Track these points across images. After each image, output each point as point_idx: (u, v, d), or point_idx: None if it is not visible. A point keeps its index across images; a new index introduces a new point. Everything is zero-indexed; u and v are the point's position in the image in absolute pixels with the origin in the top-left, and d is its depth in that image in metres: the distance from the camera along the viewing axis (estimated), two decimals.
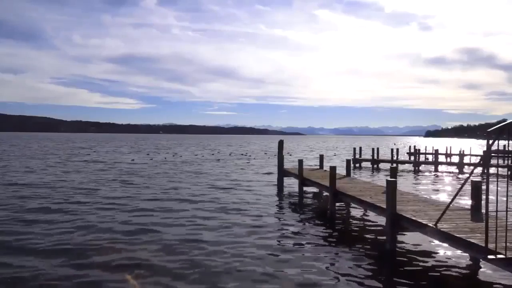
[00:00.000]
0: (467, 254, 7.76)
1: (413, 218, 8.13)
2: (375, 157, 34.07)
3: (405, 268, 7.91)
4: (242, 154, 52.69)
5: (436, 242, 8.35)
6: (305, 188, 16.93)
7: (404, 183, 21.35)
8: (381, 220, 10.76)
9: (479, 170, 26.88)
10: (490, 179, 5.75)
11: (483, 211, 7.40)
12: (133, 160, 39.09)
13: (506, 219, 5.93)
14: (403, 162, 34.46)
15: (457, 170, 30.49)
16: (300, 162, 17.26)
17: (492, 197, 5.52)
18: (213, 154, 51.92)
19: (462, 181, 7.89)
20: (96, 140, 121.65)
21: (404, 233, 9.24)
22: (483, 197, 6.63)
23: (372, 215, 12.13)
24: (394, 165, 23.30)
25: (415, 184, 22.49)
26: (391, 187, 8.66)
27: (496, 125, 5.81)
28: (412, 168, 32.06)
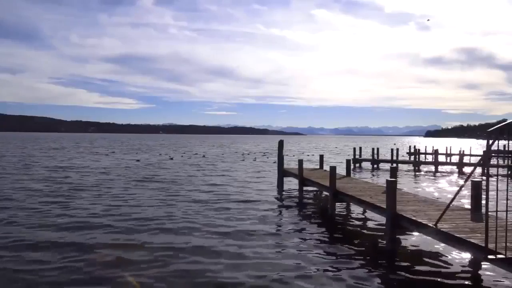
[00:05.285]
0: (467, 254, 7.76)
1: (413, 218, 8.14)
2: (375, 157, 34.09)
3: (405, 268, 7.90)
4: (256, 154, 52.37)
5: (436, 242, 8.35)
6: (305, 188, 16.93)
7: (404, 183, 21.35)
8: (381, 220, 10.77)
9: (479, 170, 26.87)
10: (490, 179, 5.75)
11: (483, 211, 7.40)
12: (138, 160, 38.91)
13: (506, 219, 5.93)
14: (403, 162, 34.48)
15: (457, 170, 30.50)
16: (300, 162, 17.26)
17: (492, 197, 5.51)
18: (223, 154, 51.93)
19: (462, 181, 7.89)
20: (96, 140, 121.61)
21: (404, 233, 9.24)
22: (483, 197, 6.62)
23: (372, 215, 12.13)
24: (394, 165, 23.31)
25: (415, 184, 22.49)
26: (391, 187, 8.66)
27: (496, 125, 5.81)
28: (412, 168, 32.08)
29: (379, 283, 7.10)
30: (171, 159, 41.73)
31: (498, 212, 5.61)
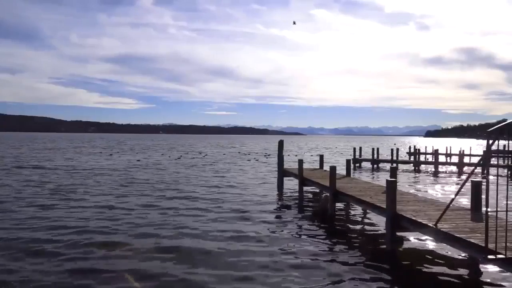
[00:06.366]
0: (467, 254, 7.76)
1: (413, 218, 8.13)
2: (375, 157, 34.09)
3: (405, 268, 7.91)
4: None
5: (436, 242, 8.36)
6: (305, 188, 16.93)
7: (404, 183, 21.35)
8: (381, 220, 10.77)
9: (479, 170, 26.88)
10: (490, 179, 5.75)
11: (483, 211, 7.41)
12: (138, 160, 38.81)
13: (506, 219, 5.93)
14: (403, 162, 34.46)
15: (457, 170, 30.49)
16: (300, 162, 17.25)
17: (492, 197, 5.51)
18: (223, 155, 51.91)
19: (462, 181, 7.89)
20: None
21: (404, 233, 9.23)
22: (483, 197, 6.62)
23: (372, 215, 12.14)
24: (394, 165, 23.30)
25: (415, 184, 22.49)
26: (391, 187, 8.66)
27: (496, 125, 5.81)
28: (412, 168, 32.07)
29: (379, 283, 7.09)
30: (178, 158, 41.89)
31: (498, 212, 5.61)
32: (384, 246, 8.91)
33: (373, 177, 25.60)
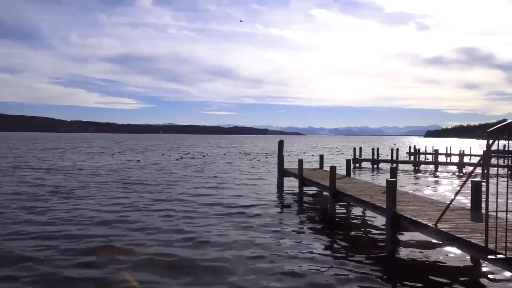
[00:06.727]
0: (467, 254, 7.76)
1: (413, 218, 8.13)
2: (375, 157, 34.08)
3: (405, 268, 7.91)
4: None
5: (436, 242, 8.34)
6: (305, 188, 16.92)
7: (404, 183, 21.35)
8: (381, 220, 10.77)
9: (479, 170, 26.87)
10: (490, 179, 5.74)
11: (483, 211, 7.40)
12: (138, 161, 38.79)
13: (506, 219, 5.92)
14: (403, 162, 34.45)
15: (457, 170, 30.49)
16: (300, 162, 17.25)
17: (492, 197, 5.51)
18: (224, 154, 51.95)
19: (462, 181, 7.88)
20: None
21: (404, 233, 9.23)
22: (483, 197, 6.62)
23: (372, 215, 12.13)
24: (394, 165, 23.30)
25: (415, 184, 22.49)
26: (391, 187, 8.65)
27: (496, 125, 5.81)
28: (412, 168, 32.07)
29: (379, 283, 7.09)
30: (180, 158, 41.93)
31: (498, 212, 5.60)
32: (384, 246, 8.91)
33: (373, 177, 25.60)
